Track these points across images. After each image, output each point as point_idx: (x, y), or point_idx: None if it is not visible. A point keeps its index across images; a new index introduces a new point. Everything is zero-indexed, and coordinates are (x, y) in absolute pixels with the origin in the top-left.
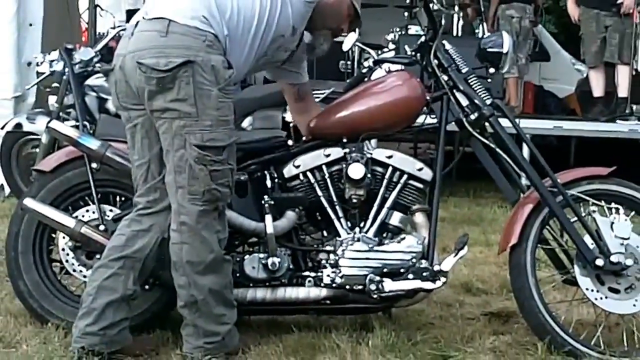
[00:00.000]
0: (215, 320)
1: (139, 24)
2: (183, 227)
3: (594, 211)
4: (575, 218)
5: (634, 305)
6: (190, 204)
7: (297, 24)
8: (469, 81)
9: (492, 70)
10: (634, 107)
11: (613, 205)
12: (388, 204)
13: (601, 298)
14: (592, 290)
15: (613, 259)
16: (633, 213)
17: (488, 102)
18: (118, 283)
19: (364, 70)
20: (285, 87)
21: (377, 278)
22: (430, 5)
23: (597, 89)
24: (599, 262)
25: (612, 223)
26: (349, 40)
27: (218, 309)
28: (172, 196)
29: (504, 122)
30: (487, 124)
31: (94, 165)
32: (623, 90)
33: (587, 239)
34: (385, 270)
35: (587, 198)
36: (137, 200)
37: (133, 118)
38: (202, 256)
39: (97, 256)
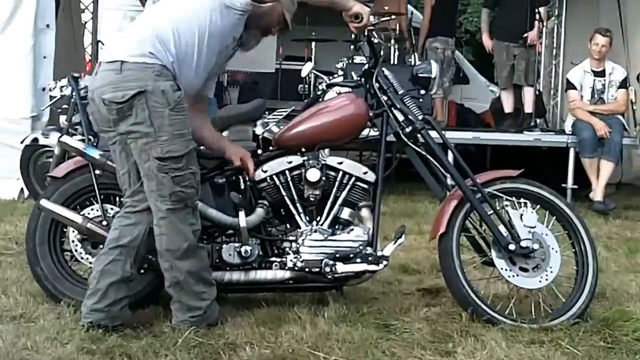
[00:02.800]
0: (196, 296)
1: (101, 65)
2: (160, 222)
3: (506, 205)
4: (492, 211)
5: (540, 281)
6: (161, 204)
7: (236, 33)
8: (404, 101)
9: (422, 91)
10: (538, 120)
11: (522, 200)
12: (339, 201)
13: (513, 276)
14: (506, 270)
15: (523, 244)
16: (538, 206)
17: (420, 117)
18: (117, 267)
19: (319, 92)
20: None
21: (331, 262)
22: (372, 39)
23: (508, 106)
24: (511, 247)
25: (522, 215)
26: (306, 68)
27: (197, 287)
28: (149, 198)
29: (433, 134)
30: (419, 135)
31: (97, 171)
32: (529, 107)
33: (502, 228)
34: (337, 255)
35: (501, 194)
36: (125, 200)
37: (111, 138)
38: (178, 244)
39: (101, 246)
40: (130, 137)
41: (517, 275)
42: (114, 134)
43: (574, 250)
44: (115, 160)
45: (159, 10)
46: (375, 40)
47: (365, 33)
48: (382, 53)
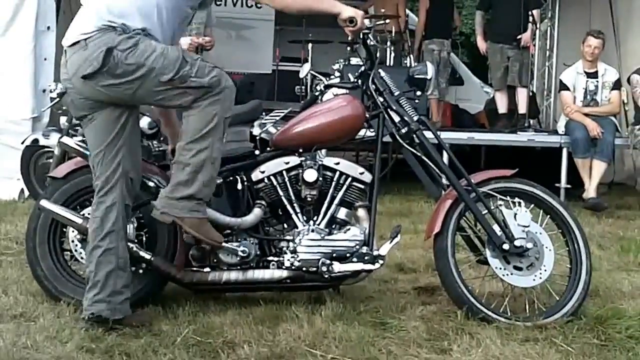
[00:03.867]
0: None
1: (66, 52)
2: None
3: (500, 205)
4: (486, 211)
5: (534, 280)
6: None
7: (195, 4)
8: (400, 102)
9: (419, 93)
10: (531, 121)
11: (516, 199)
12: (336, 201)
13: (507, 275)
14: (500, 269)
15: (516, 243)
16: (532, 205)
17: (415, 118)
18: (111, 256)
19: (317, 93)
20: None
21: (328, 261)
22: (367, 42)
23: (502, 107)
24: (505, 246)
25: (515, 214)
26: (304, 69)
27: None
28: (193, 108)
29: (428, 135)
30: (414, 136)
31: None
32: (522, 108)
33: (496, 228)
34: (334, 255)
35: (495, 194)
36: (96, 183)
37: (88, 120)
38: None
39: (89, 238)
40: (134, 87)
41: (511, 274)
42: (92, 114)
43: (567, 248)
44: (90, 143)
45: None
46: (371, 43)
47: (361, 36)
48: (377, 55)
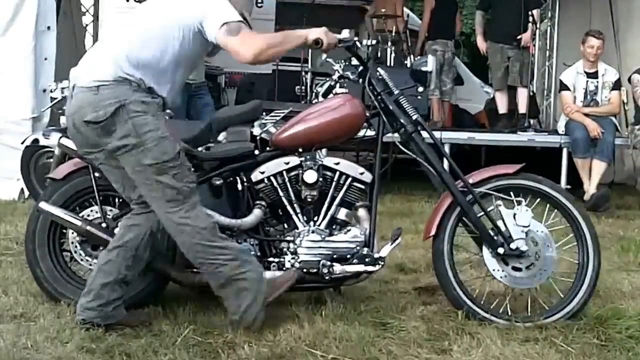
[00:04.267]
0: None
1: (75, 88)
2: (181, 237)
3: (499, 205)
4: (482, 213)
5: (532, 281)
6: (171, 212)
7: (204, 53)
8: (399, 102)
9: (421, 88)
10: (531, 121)
11: (519, 197)
12: (336, 201)
13: (505, 276)
14: (497, 270)
15: (512, 245)
16: (538, 200)
17: (414, 117)
18: (113, 268)
19: (332, 83)
20: None
21: (328, 263)
22: (355, 51)
23: (502, 107)
24: (501, 250)
25: (515, 214)
26: (345, 33)
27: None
28: (157, 212)
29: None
30: (411, 138)
31: (96, 173)
32: (522, 108)
33: (492, 231)
34: (335, 256)
35: (494, 193)
36: (132, 205)
37: (97, 159)
38: (206, 246)
39: (101, 248)
40: (120, 152)
41: (510, 275)
42: (98, 153)
43: (576, 243)
44: (109, 178)
45: (129, 27)
46: (361, 49)
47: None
48: (371, 57)
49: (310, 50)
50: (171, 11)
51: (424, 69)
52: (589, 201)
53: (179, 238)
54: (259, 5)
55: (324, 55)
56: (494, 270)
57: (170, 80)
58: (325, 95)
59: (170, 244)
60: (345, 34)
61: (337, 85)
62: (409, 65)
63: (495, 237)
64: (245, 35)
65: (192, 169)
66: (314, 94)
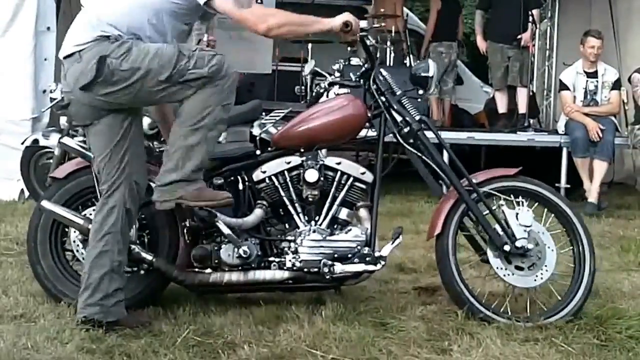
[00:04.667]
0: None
1: (64, 64)
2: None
3: (502, 205)
4: (487, 211)
5: (535, 280)
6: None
7: (191, 21)
8: (402, 102)
9: (421, 91)
10: (531, 121)
11: (519, 199)
12: (337, 201)
13: (509, 275)
14: (501, 269)
15: (518, 243)
16: (536, 204)
17: (417, 118)
18: (106, 259)
19: (321, 91)
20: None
21: (329, 262)
22: (366, 43)
23: (502, 107)
24: (507, 247)
25: (517, 214)
26: (308, 67)
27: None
28: (196, 105)
29: (429, 134)
30: (416, 136)
31: None
32: (522, 108)
33: (498, 228)
34: (335, 255)
35: (497, 194)
36: (101, 187)
37: (92, 126)
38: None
39: (88, 240)
40: (134, 91)
41: (513, 274)
42: (97, 121)
43: (572, 248)
44: (95, 150)
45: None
46: (370, 43)
47: (358, 38)
48: (378, 55)
49: (310, 51)
50: None
51: (424, 74)
52: (585, 206)
53: (201, 111)
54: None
55: (313, 63)
56: (498, 268)
57: (151, 32)
58: (313, 103)
59: (171, 244)
60: (364, 23)
61: (326, 93)
62: (408, 65)
63: (500, 235)
64: (257, 7)
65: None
66: (313, 94)
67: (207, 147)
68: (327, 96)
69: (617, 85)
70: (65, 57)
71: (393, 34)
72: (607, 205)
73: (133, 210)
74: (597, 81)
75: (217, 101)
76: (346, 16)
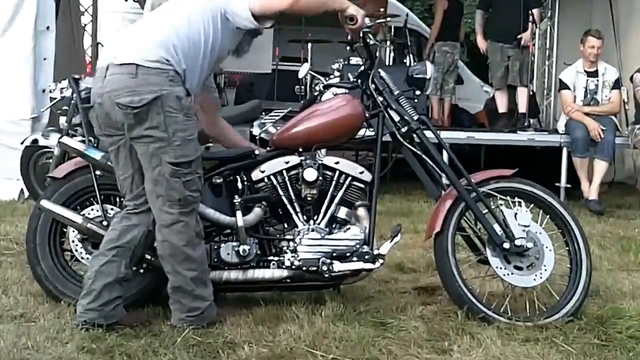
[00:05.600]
0: (195, 298)
1: (110, 67)
2: (163, 229)
3: (500, 204)
4: (486, 210)
5: (534, 279)
6: (169, 209)
7: (232, 46)
8: (400, 101)
9: (418, 92)
10: (531, 120)
11: (516, 199)
12: (336, 200)
13: (508, 274)
14: (501, 268)
15: (517, 242)
16: (532, 205)
17: (415, 117)
18: (113, 268)
19: (316, 93)
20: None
21: (328, 261)
22: (367, 41)
23: (502, 107)
24: (506, 245)
25: (516, 214)
26: (303, 70)
27: (199, 290)
28: (152, 203)
29: (428, 134)
30: (414, 135)
31: (97, 172)
32: (522, 107)
33: (496, 227)
34: (334, 254)
35: (495, 194)
36: (126, 203)
37: (114, 142)
38: (181, 250)
39: (100, 245)
40: (142, 141)
41: (512, 274)
42: (120, 137)
43: (567, 248)
44: (116, 165)
45: (166, 15)
46: (371, 42)
47: (361, 35)
48: (378, 54)
49: (310, 50)
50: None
51: (421, 75)
52: (589, 203)
53: (164, 232)
54: None
55: (307, 66)
56: (497, 268)
57: (199, 69)
58: (307, 105)
59: None
60: (368, 21)
61: (320, 96)
62: (408, 64)
63: (500, 233)
64: None
65: (202, 178)
66: (313, 94)
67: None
68: (321, 99)
69: (617, 84)
70: (118, 64)
71: (379, 41)
72: (604, 208)
73: (154, 232)
74: (597, 80)
75: (184, 241)
76: (355, 10)
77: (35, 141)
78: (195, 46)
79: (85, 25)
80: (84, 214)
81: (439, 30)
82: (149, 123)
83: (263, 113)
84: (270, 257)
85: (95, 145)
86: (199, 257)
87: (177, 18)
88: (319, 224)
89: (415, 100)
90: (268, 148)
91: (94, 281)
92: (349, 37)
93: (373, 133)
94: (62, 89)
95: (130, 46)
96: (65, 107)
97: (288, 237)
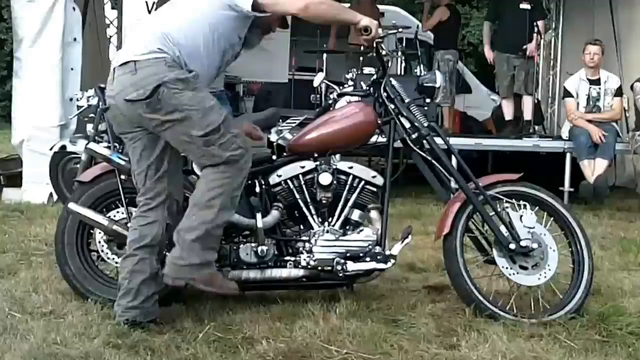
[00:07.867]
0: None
1: (115, 70)
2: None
3: (507, 207)
4: (493, 212)
5: (539, 279)
6: (216, 171)
7: (241, 32)
8: (411, 108)
9: (428, 100)
10: (536, 127)
11: (522, 202)
12: (350, 203)
13: (514, 274)
14: (507, 268)
15: (522, 243)
16: (537, 208)
17: (425, 124)
18: (145, 266)
19: (330, 101)
20: None
21: (342, 261)
22: (380, 51)
23: (508, 114)
24: (512, 246)
25: (521, 216)
26: (317, 79)
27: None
28: (205, 174)
29: (438, 140)
30: (424, 141)
31: (122, 176)
32: (528, 115)
33: (503, 229)
34: (348, 254)
35: (502, 197)
36: (139, 199)
37: (133, 139)
38: (207, 197)
39: (126, 247)
40: (165, 127)
41: (518, 273)
42: (137, 133)
43: (570, 249)
44: (133, 161)
45: (163, 13)
46: (384, 52)
47: (374, 45)
48: (390, 64)
49: (325, 60)
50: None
51: (431, 84)
52: (588, 189)
53: (211, 193)
54: None
55: (322, 75)
56: (504, 267)
57: (202, 61)
58: (321, 113)
59: None
60: (381, 31)
61: (334, 104)
62: (418, 74)
63: (506, 235)
64: None
65: (240, 135)
66: (328, 102)
67: (218, 228)
68: (334, 107)
69: (619, 92)
70: (119, 65)
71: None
72: (607, 192)
73: (172, 225)
74: (599, 88)
75: (227, 188)
76: (369, 21)
77: (63, 147)
78: (196, 35)
79: (111, 37)
80: (109, 216)
81: (439, 40)
82: (165, 109)
83: (280, 120)
84: (287, 257)
85: (120, 150)
86: (218, 218)
87: (176, 13)
88: (333, 225)
89: (425, 108)
90: (285, 154)
91: (131, 280)
92: (362, 48)
93: (385, 139)
94: (89, 97)
95: (127, 47)
96: (91, 115)
97: (304, 238)
